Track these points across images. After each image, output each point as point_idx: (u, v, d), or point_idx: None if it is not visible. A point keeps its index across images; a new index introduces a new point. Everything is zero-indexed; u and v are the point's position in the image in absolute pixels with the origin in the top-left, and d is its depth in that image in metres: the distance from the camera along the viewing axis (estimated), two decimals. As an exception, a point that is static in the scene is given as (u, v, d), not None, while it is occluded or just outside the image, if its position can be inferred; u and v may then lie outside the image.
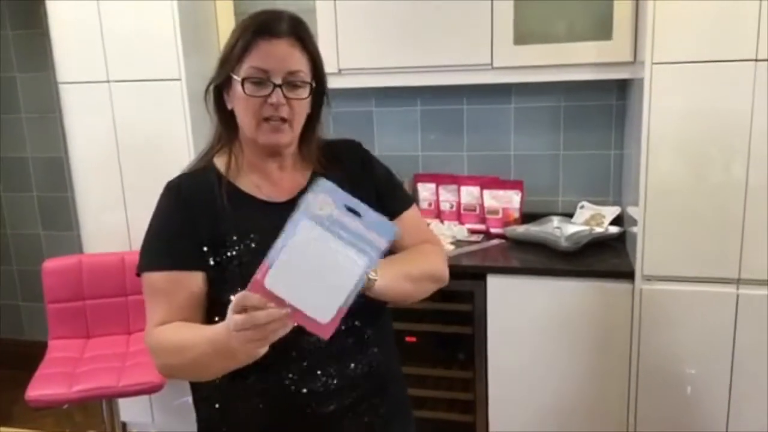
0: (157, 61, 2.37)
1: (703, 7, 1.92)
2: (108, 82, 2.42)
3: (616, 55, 2.23)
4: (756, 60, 1.90)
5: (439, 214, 2.70)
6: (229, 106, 1.21)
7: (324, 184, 0.91)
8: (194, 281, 1.15)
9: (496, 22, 2.28)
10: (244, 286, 0.93)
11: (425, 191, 2.73)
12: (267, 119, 1.15)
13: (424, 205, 2.73)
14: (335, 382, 1.16)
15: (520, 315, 2.26)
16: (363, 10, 2.38)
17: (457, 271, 2.28)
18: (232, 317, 0.93)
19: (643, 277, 2.11)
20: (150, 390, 2.23)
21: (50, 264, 2.45)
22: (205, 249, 1.15)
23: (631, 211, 2.25)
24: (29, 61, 3.21)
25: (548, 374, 2.29)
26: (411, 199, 1.35)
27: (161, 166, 2.44)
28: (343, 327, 1.11)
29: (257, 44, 1.15)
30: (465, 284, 2.29)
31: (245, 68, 1.16)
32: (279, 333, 0.93)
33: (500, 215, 2.57)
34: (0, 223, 3.44)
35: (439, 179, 2.71)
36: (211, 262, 1.15)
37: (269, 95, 1.14)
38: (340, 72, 2.46)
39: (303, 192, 1.17)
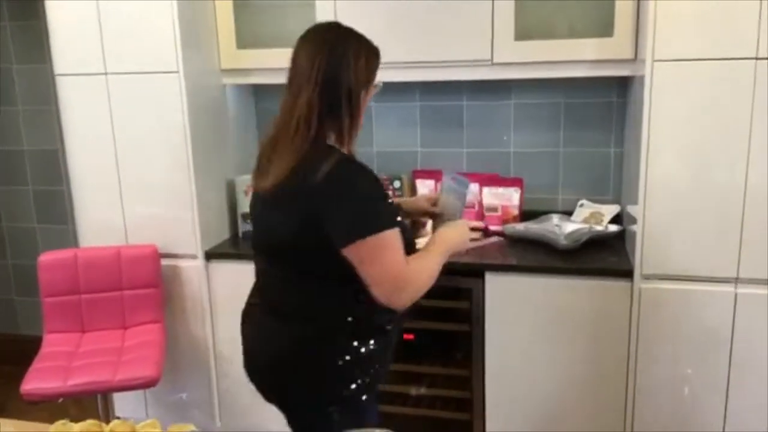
0: (154, 54, 2.35)
1: (704, 5, 1.91)
2: (105, 74, 2.41)
3: (617, 52, 2.22)
4: (756, 58, 1.90)
5: (437, 211, 2.69)
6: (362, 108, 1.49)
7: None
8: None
9: (497, 18, 2.27)
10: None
11: (423, 188, 2.72)
12: None
13: (422, 201, 2.72)
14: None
15: (519, 313, 2.26)
16: (362, 5, 2.37)
17: (455, 268, 2.28)
18: (467, 226, 1.63)
19: (642, 276, 2.11)
20: (145, 385, 2.22)
21: (46, 258, 2.43)
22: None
23: (631, 209, 2.24)
24: (26, 53, 3.19)
25: (546, 372, 2.29)
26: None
27: (158, 159, 2.45)
28: None
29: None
30: (463, 281, 2.28)
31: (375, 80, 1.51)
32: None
33: (499, 212, 2.56)
34: (-5, 216, 3.43)
35: (437, 176, 2.70)
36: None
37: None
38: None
39: None
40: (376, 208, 1.41)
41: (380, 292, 1.40)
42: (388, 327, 1.53)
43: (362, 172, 1.42)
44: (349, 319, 1.46)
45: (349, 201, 1.38)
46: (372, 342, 1.49)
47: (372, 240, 1.36)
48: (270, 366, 1.53)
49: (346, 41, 1.46)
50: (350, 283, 1.42)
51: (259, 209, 1.57)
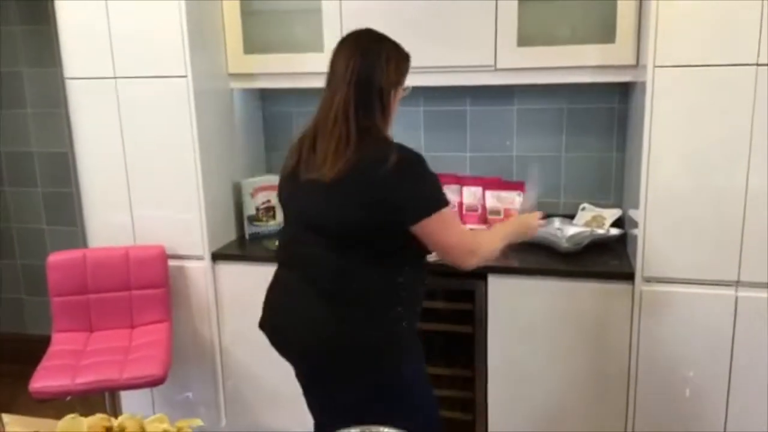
0: (163, 58, 2.38)
1: (705, 11, 1.93)
2: (114, 78, 2.44)
3: (619, 58, 2.24)
4: (757, 65, 1.92)
5: (441, 214, 2.72)
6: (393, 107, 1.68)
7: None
8: None
9: (500, 24, 2.30)
10: None
11: (428, 191, 2.74)
12: None
13: (426, 204, 2.75)
14: None
15: (521, 315, 2.28)
16: (368, 10, 2.39)
17: (458, 270, 2.31)
18: (535, 216, 1.92)
19: (643, 279, 2.13)
20: (152, 383, 2.25)
21: (55, 258, 2.47)
22: None
23: (632, 213, 2.26)
24: (36, 57, 3.23)
25: (548, 374, 2.30)
26: None
27: (166, 162, 2.48)
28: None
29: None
30: (466, 283, 2.30)
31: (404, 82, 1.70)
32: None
33: (502, 216, 2.59)
34: (4, 217, 3.47)
35: (441, 179, 2.70)
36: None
37: None
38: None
39: None
40: (439, 188, 1.62)
41: (453, 257, 1.65)
42: (418, 302, 1.74)
43: (420, 159, 1.59)
44: (396, 298, 1.64)
45: (417, 185, 1.57)
46: (411, 316, 1.68)
47: (439, 215, 1.57)
48: (323, 347, 1.63)
49: (379, 46, 1.63)
50: (399, 266, 1.63)
51: (299, 193, 1.67)
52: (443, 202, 1.60)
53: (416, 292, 1.71)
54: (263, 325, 1.80)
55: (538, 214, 1.94)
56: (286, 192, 1.74)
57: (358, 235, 1.58)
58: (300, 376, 1.80)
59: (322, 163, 1.57)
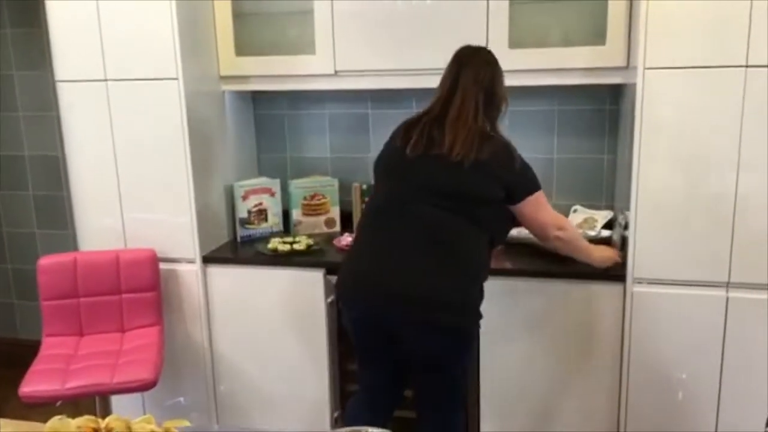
0: (154, 61, 2.38)
1: (695, 13, 1.95)
2: (105, 80, 2.43)
3: (610, 60, 2.25)
4: (746, 66, 1.93)
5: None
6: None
7: None
8: None
9: (491, 26, 2.31)
10: None
11: (420, 193, 2.74)
12: None
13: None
14: None
15: (513, 316, 2.28)
16: (360, 12, 2.40)
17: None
18: (615, 255, 2.23)
19: (635, 280, 2.14)
20: (143, 387, 2.24)
21: (45, 261, 2.45)
22: None
23: (624, 214, 2.27)
24: (27, 59, 3.22)
25: (539, 375, 2.31)
26: None
27: (157, 165, 2.47)
28: None
29: None
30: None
31: None
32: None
33: (494, 218, 2.59)
34: (-5, 221, 3.45)
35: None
36: None
37: None
38: (336, 74, 2.48)
39: None
40: (534, 174, 1.99)
41: (543, 231, 2.02)
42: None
43: (514, 148, 1.97)
44: (487, 262, 2.01)
45: (526, 172, 1.97)
46: (485, 281, 1.99)
47: (537, 195, 1.98)
48: (439, 297, 1.86)
49: (498, 64, 2.02)
50: (492, 234, 1.98)
51: (423, 165, 1.94)
52: (539, 187, 1.99)
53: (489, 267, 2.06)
54: (349, 286, 1.98)
55: (619, 254, 2.23)
56: (395, 163, 2.00)
57: (482, 204, 1.91)
58: (385, 327, 1.96)
59: (452, 146, 1.89)
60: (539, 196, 1.99)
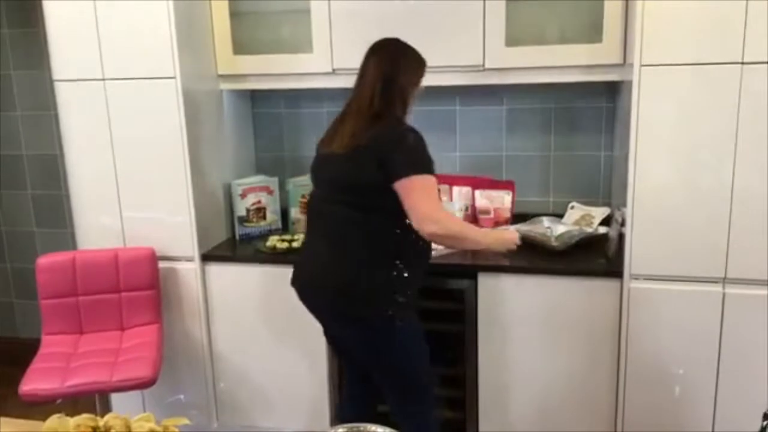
0: (152, 59, 2.38)
1: (691, 10, 1.95)
2: (103, 80, 2.44)
3: (606, 57, 2.26)
4: (742, 63, 1.94)
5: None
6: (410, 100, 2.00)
7: None
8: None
9: (488, 24, 2.31)
10: None
11: (418, 191, 2.75)
12: None
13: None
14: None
15: (511, 313, 2.29)
16: (356, 10, 2.40)
17: (448, 269, 2.33)
18: (514, 236, 2.14)
19: (631, 276, 2.15)
20: (142, 385, 2.25)
21: (44, 260, 2.46)
22: None
23: (620, 211, 2.28)
24: (25, 59, 3.22)
25: (538, 371, 2.32)
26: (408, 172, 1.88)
27: (155, 163, 2.48)
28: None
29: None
30: (456, 282, 2.31)
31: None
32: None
33: (492, 215, 2.60)
34: (-6, 220, 3.46)
35: (431, 179, 2.73)
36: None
37: None
38: (334, 72, 2.48)
39: None
40: (426, 161, 1.87)
41: (414, 219, 1.83)
42: (418, 257, 1.97)
43: (420, 137, 1.88)
44: (393, 248, 1.90)
45: (408, 150, 1.86)
46: (409, 268, 1.91)
47: (415, 180, 1.82)
48: (336, 286, 1.91)
49: (404, 53, 1.99)
50: (395, 218, 1.87)
51: (325, 163, 2.02)
52: (425, 171, 1.85)
53: (416, 252, 1.95)
54: (293, 281, 2.07)
55: (517, 235, 2.17)
56: (314, 163, 2.08)
57: (366, 190, 1.87)
58: (320, 320, 2.08)
59: (342, 138, 1.92)
60: (418, 181, 1.83)
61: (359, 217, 1.89)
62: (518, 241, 2.13)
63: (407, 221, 1.86)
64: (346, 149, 1.89)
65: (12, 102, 3.29)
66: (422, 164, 1.86)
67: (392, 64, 1.95)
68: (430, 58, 2.37)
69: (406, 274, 1.90)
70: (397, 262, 1.90)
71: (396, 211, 1.85)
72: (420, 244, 1.93)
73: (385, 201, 1.85)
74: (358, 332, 1.93)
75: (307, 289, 2.03)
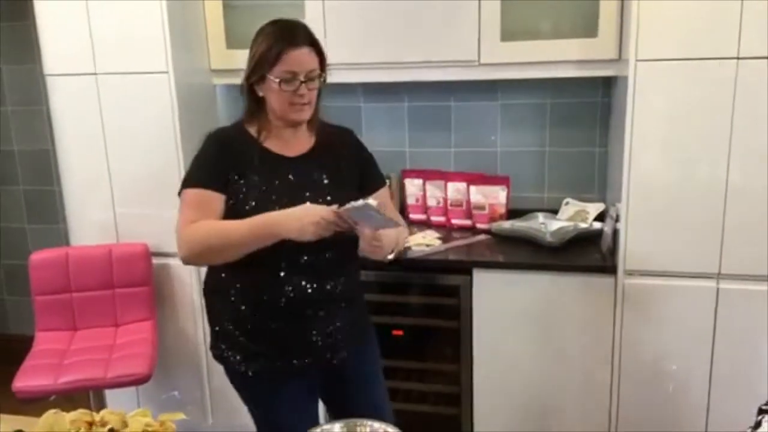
0: (144, 54, 2.36)
1: (686, 6, 1.95)
2: (95, 74, 2.42)
3: (602, 52, 2.26)
4: (738, 58, 1.94)
5: (426, 210, 2.72)
6: (261, 94, 1.63)
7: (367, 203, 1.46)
8: (217, 200, 1.58)
9: (484, 19, 2.31)
10: (258, 208, 1.54)
11: (412, 187, 2.75)
12: (293, 104, 1.60)
13: (411, 200, 2.75)
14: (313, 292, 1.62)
15: (506, 309, 2.29)
16: (351, 5, 2.39)
17: (443, 265, 2.33)
18: (324, 211, 1.47)
19: (626, 272, 2.15)
20: (137, 381, 2.24)
21: (37, 256, 2.45)
22: (236, 177, 1.59)
23: (615, 207, 2.28)
24: (15, 53, 3.19)
25: (532, 367, 2.32)
26: (384, 180, 1.83)
27: (148, 158, 2.46)
28: (327, 255, 1.60)
29: (287, 53, 1.56)
30: (451, 279, 2.31)
31: (278, 71, 1.56)
32: (325, 232, 1.48)
33: (486, 211, 2.59)
34: (-15, 216, 3.43)
35: (426, 175, 2.73)
36: (239, 186, 1.59)
37: (297, 89, 1.58)
38: (327, 67, 2.46)
39: (311, 150, 1.69)
40: (190, 168, 1.65)
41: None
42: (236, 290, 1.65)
43: (209, 138, 1.66)
44: (223, 275, 1.67)
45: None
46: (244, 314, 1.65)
47: (181, 197, 1.62)
48: None
49: (259, 34, 1.64)
50: None
51: None
52: (183, 184, 1.62)
53: (249, 279, 1.61)
54: None
55: (331, 209, 1.49)
56: None
57: None
58: None
59: None
60: (182, 198, 1.61)
61: None
62: (329, 217, 1.47)
63: None
64: None
65: (2, 97, 3.26)
66: (186, 176, 1.63)
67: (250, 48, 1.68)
68: (425, 53, 2.38)
69: (233, 320, 1.67)
70: (232, 299, 1.64)
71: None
72: (257, 283, 1.62)
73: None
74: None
75: None
